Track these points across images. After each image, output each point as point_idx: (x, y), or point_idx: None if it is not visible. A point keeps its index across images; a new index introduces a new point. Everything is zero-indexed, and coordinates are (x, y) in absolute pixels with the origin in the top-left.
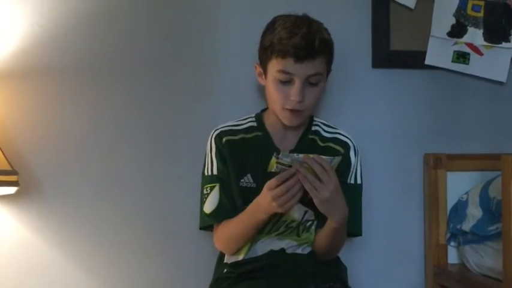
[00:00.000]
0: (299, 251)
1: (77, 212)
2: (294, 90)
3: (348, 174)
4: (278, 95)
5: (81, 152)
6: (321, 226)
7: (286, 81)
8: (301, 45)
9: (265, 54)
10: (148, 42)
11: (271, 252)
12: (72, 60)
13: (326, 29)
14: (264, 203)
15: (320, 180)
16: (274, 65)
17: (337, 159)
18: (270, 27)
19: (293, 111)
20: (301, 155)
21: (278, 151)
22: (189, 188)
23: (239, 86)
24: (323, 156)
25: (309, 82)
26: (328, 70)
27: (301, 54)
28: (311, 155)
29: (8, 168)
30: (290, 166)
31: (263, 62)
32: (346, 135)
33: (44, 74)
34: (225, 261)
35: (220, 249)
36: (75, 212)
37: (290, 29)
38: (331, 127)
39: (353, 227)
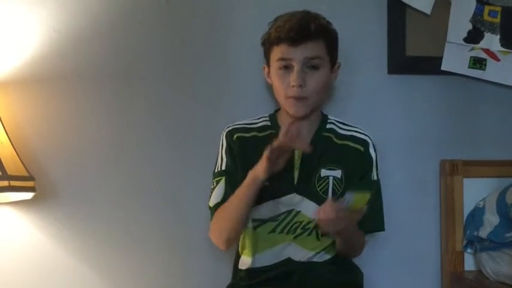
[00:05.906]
0: (315, 259)
1: (93, 218)
2: (293, 75)
3: (371, 171)
4: (280, 84)
5: (97, 158)
6: None
7: (286, 69)
8: (294, 28)
9: (266, 48)
10: (164, 48)
11: (288, 260)
12: (88, 66)
13: (327, 20)
14: (260, 165)
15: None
16: (274, 56)
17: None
18: (271, 23)
19: (296, 99)
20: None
21: None
22: (205, 194)
23: (254, 89)
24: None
25: (309, 66)
26: (333, 59)
27: (294, 37)
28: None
29: (25, 174)
30: None
31: (267, 58)
32: (364, 131)
33: (60, 80)
34: (239, 267)
35: (214, 239)
36: (91, 217)
37: (286, 18)
38: (347, 125)
39: (375, 224)
